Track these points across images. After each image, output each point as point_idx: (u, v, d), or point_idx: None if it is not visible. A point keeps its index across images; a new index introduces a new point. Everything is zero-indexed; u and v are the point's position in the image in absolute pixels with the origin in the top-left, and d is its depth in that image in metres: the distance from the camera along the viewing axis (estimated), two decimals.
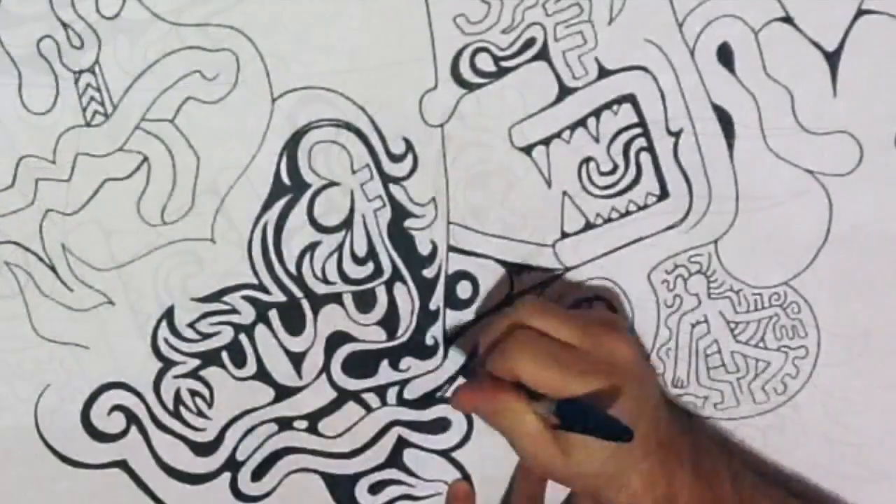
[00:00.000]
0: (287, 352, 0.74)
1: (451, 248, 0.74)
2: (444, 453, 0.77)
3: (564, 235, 0.74)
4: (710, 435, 0.77)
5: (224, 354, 0.73)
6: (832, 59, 0.74)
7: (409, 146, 0.72)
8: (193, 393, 0.73)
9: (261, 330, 0.73)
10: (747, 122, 0.74)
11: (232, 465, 0.75)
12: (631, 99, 0.73)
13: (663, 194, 0.74)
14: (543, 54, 0.72)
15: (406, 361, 0.75)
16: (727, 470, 0.71)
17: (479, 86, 0.72)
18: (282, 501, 0.75)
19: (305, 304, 0.73)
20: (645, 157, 0.74)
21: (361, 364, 0.74)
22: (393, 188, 0.72)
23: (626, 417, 0.64)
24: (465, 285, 0.74)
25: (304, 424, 0.75)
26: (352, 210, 0.72)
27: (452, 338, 0.75)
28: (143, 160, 0.70)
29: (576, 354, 0.67)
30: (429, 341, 0.75)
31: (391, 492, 0.77)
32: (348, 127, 0.71)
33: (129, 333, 0.72)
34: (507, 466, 0.77)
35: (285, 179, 0.71)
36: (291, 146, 0.71)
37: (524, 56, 0.72)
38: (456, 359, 0.75)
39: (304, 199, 0.72)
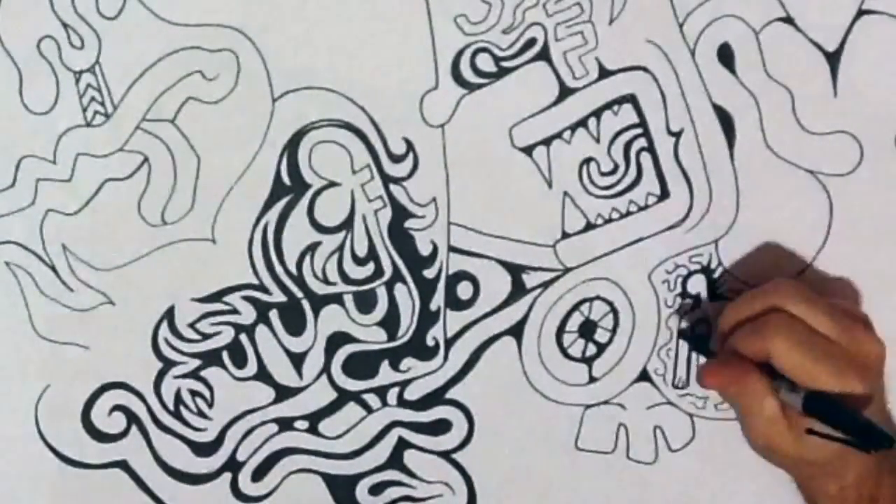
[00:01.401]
0: (287, 352, 0.74)
1: (451, 249, 0.73)
2: (445, 455, 0.76)
3: (565, 235, 0.74)
4: None
5: (224, 354, 0.73)
6: (832, 59, 0.74)
7: (410, 146, 0.72)
8: (194, 393, 0.73)
9: (261, 330, 0.73)
10: (747, 122, 0.74)
11: (232, 465, 0.75)
12: (631, 99, 0.73)
13: (664, 194, 0.74)
14: (544, 54, 0.72)
15: (407, 362, 0.75)
16: None
17: (480, 86, 0.72)
18: (282, 502, 0.75)
19: (306, 305, 0.73)
20: (645, 158, 0.74)
21: (362, 365, 0.74)
22: (393, 188, 0.72)
23: (876, 421, 0.65)
24: (466, 286, 0.74)
25: (304, 425, 0.75)
26: (352, 210, 0.72)
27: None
28: (144, 160, 0.70)
29: (832, 348, 0.67)
30: (429, 342, 0.75)
31: (391, 493, 0.76)
32: (348, 127, 0.71)
33: (129, 333, 0.72)
34: (507, 468, 0.77)
35: (285, 179, 0.71)
36: (291, 146, 0.71)
37: (525, 56, 0.72)
38: (457, 360, 0.75)
39: (305, 200, 0.72)
